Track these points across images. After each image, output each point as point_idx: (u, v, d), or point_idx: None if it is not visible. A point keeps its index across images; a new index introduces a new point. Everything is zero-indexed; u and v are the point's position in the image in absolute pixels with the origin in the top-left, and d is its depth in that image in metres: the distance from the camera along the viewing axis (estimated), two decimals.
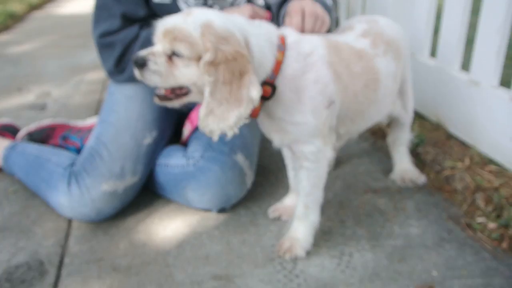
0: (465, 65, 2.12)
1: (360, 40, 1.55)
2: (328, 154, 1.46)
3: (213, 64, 1.17)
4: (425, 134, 2.13)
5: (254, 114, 1.33)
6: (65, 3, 7.76)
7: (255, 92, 1.19)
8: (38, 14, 6.64)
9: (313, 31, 1.47)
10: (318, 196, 1.52)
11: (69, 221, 1.73)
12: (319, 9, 1.50)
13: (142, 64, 1.23)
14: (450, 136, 2.09)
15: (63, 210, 1.67)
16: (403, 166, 1.95)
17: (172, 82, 1.25)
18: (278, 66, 1.31)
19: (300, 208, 1.53)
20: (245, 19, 1.32)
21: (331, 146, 1.47)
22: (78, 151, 2.01)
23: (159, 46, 1.24)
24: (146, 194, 1.84)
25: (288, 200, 1.76)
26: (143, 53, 1.24)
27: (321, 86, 1.36)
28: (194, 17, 1.21)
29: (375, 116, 1.66)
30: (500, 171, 1.80)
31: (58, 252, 1.57)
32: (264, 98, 1.31)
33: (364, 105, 1.52)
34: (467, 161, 1.90)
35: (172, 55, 1.22)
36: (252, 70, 1.20)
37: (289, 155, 1.70)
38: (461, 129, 2.05)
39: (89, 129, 2.14)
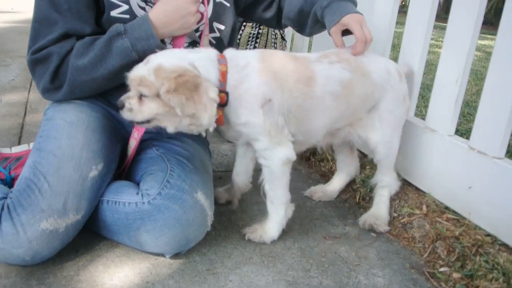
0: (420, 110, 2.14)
1: (311, 56, 1.75)
2: (280, 154, 1.63)
3: (170, 91, 1.42)
4: None
5: (219, 122, 1.55)
6: None
7: (212, 92, 1.45)
8: None
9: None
10: (279, 194, 1.70)
11: None
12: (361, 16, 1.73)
13: (122, 106, 1.51)
14: (404, 182, 2.08)
15: None
16: (375, 211, 1.92)
17: (140, 116, 1.51)
18: (224, 75, 1.54)
19: (268, 203, 1.72)
20: (188, 50, 1.57)
21: (286, 146, 1.63)
22: (2, 183, 1.75)
23: (132, 91, 1.51)
24: (86, 235, 1.61)
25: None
26: (122, 98, 1.52)
27: (253, 90, 1.56)
28: (149, 64, 1.48)
29: (324, 119, 1.72)
30: (458, 219, 1.80)
31: None
32: (222, 105, 1.53)
33: (300, 100, 1.63)
34: (424, 209, 1.88)
35: (141, 96, 1.49)
36: (203, 79, 1.46)
37: None
38: (415, 176, 2.04)
39: (17, 158, 1.87)
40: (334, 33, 1.74)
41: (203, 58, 1.53)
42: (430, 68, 4.25)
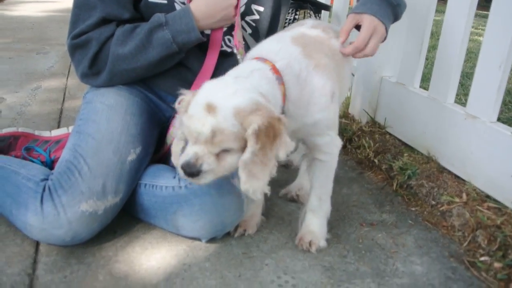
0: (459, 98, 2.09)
1: (312, 30, 1.68)
2: (339, 143, 1.57)
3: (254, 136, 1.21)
4: (417, 166, 2.06)
5: None
6: (14, 6, 7.33)
7: (283, 152, 1.24)
8: None
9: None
10: (330, 187, 1.62)
11: (37, 245, 1.50)
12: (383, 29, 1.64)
13: (197, 172, 1.23)
14: (443, 170, 2.03)
15: (32, 231, 1.44)
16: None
17: (221, 174, 1.29)
18: (284, 97, 1.39)
19: (313, 201, 1.61)
20: (236, 74, 1.35)
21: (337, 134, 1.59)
22: (43, 165, 1.79)
23: (201, 148, 1.22)
24: (123, 217, 1.64)
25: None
26: (191, 162, 1.23)
27: (320, 91, 1.46)
28: (220, 111, 1.20)
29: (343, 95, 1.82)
30: (499, 208, 1.75)
31: (25, 282, 1.34)
32: None
33: (339, 82, 1.61)
34: (464, 197, 1.83)
35: (219, 152, 1.24)
36: (284, 131, 1.24)
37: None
38: (455, 164, 1.99)
39: (57, 141, 1.91)
40: (348, 20, 1.69)
41: (264, 82, 1.33)
42: (470, 56, 4.13)
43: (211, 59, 1.68)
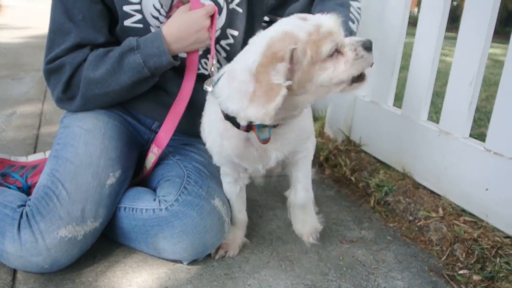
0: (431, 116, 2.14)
1: None
2: (314, 138, 1.68)
3: None
4: (393, 183, 2.10)
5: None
6: None
7: None
8: None
9: None
10: (310, 179, 1.69)
11: (14, 273, 1.47)
12: None
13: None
14: (418, 186, 2.07)
15: (9, 259, 1.40)
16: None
17: None
18: None
19: (301, 194, 1.65)
20: None
21: None
22: (20, 191, 1.76)
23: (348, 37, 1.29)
24: (103, 242, 1.62)
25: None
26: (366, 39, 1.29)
27: None
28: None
29: None
30: (475, 221, 1.79)
31: None
32: None
33: None
34: (440, 211, 1.87)
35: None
36: None
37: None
38: (430, 179, 2.03)
39: (33, 166, 1.89)
40: None
41: None
42: (439, 75, 4.22)
43: (188, 82, 1.68)
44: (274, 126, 1.40)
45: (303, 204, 1.67)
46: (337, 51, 1.26)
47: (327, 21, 1.27)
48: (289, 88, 1.21)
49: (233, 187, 1.64)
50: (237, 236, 1.69)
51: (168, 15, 1.65)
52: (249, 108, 1.21)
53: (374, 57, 1.30)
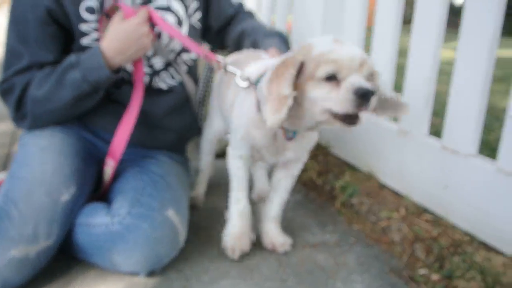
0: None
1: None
2: None
3: None
4: (358, 184, 2.10)
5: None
6: None
7: None
8: None
9: None
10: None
11: None
12: None
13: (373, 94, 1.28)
14: (383, 186, 2.07)
15: None
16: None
17: None
18: None
19: (277, 209, 1.76)
20: None
21: None
22: None
23: (358, 76, 1.30)
24: (61, 258, 1.61)
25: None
26: (368, 85, 1.28)
27: None
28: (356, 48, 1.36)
29: None
30: (436, 220, 1.79)
31: None
32: None
33: None
34: (402, 211, 1.87)
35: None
36: None
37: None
38: (393, 179, 2.04)
39: None
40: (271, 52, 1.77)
41: None
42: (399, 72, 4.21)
43: (137, 91, 1.68)
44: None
45: (274, 218, 1.77)
46: (336, 80, 1.30)
47: (341, 50, 1.31)
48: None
49: (244, 172, 1.71)
50: (245, 228, 1.72)
51: (100, 23, 1.65)
52: (264, 112, 1.36)
53: (369, 107, 1.29)
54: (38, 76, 1.61)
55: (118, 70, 1.62)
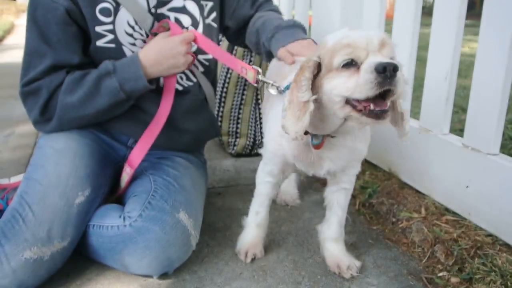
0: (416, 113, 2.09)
1: None
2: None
3: None
4: (378, 184, 2.05)
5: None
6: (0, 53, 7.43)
7: None
8: None
9: None
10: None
11: None
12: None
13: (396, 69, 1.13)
14: (403, 185, 2.02)
15: None
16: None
17: None
18: None
19: (336, 228, 1.64)
20: None
21: None
22: (1, 213, 1.78)
23: (379, 56, 1.18)
24: (77, 259, 1.62)
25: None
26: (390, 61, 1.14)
27: None
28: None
29: None
30: (457, 220, 1.73)
31: None
32: None
33: None
34: (422, 212, 1.82)
35: None
36: None
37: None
38: (414, 178, 1.98)
39: (15, 188, 1.91)
40: (281, 55, 1.67)
41: None
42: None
43: (166, 102, 1.69)
44: (331, 136, 1.43)
45: (335, 238, 1.65)
46: (356, 66, 1.19)
47: (355, 33, 1.22)
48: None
49: (270, 189, 1.68)
50: (259, 237, 1.71)
51: (148, 39, 1.67)
52: (284, 123, 1.30)
53: (399, 85, 1.14)
54: (68, 81, 1.61)
55: (152, 81, 1.63)
